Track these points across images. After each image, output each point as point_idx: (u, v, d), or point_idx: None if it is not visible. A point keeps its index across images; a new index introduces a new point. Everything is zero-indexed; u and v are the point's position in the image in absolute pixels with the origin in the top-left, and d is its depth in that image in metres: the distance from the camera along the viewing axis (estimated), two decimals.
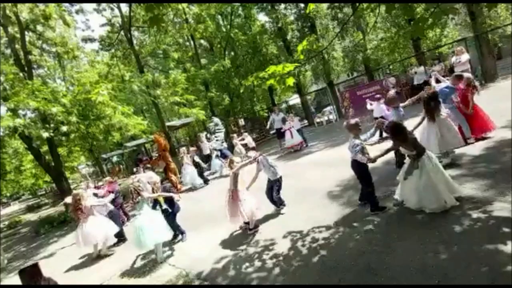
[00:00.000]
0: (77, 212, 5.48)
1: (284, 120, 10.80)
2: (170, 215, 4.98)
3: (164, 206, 4.91)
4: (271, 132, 14.11)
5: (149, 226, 4.52)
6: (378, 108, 7.85)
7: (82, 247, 5.63)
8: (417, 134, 4.68)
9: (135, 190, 4.63)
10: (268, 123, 12.07)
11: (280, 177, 4.96)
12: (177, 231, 5.17)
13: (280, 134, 11.43)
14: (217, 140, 11.19)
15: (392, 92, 5.53)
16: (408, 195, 3.70)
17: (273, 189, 4.96)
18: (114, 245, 5.94)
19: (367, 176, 3.97)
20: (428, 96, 4.65)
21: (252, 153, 5.02)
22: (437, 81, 5.68)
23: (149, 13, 3.35)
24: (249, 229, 4.62)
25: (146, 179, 5.47)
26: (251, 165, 4.87)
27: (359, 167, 3.93)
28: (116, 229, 5.74)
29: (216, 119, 12.48)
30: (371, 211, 3.96)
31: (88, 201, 5.62)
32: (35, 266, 1.74)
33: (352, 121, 3.96)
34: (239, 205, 4.48)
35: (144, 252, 5.09)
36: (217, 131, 11.81)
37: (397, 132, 3.59)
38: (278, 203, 5.03)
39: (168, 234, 4.86)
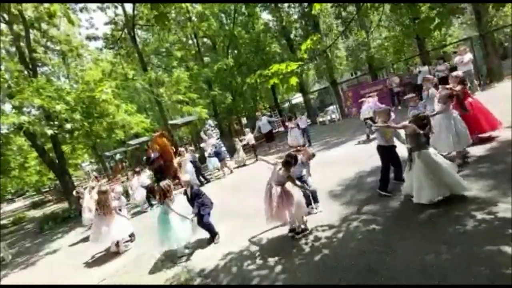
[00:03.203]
0: (102, 208, 5.40)
1: (270, 122, 11.17)
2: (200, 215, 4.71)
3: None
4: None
5: (178, 225, 4.52)
6: (365, 108, 7.92)
7: (99, 244, 5.67)
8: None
9: (163, 191, 4.52)
10: (255, 131, 12.09)
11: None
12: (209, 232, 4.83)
13: (269, 138, 11.75)
14: (217, 139, 11.33)
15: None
16: (410, 187, 3.86)
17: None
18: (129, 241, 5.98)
19: None
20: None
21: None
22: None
23: (154, 11, 3.38)
24: (296, 233, 3.99)
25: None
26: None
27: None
28: (131, 228, 5.83)
29: (209, 121, 12.61)
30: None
31: (114, 201, 5.68)
32: None
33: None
34: (291, 202, 3.86)
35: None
36: (211, 132, 11.98)
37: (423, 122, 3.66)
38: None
39: (190, 235, 4.72)
